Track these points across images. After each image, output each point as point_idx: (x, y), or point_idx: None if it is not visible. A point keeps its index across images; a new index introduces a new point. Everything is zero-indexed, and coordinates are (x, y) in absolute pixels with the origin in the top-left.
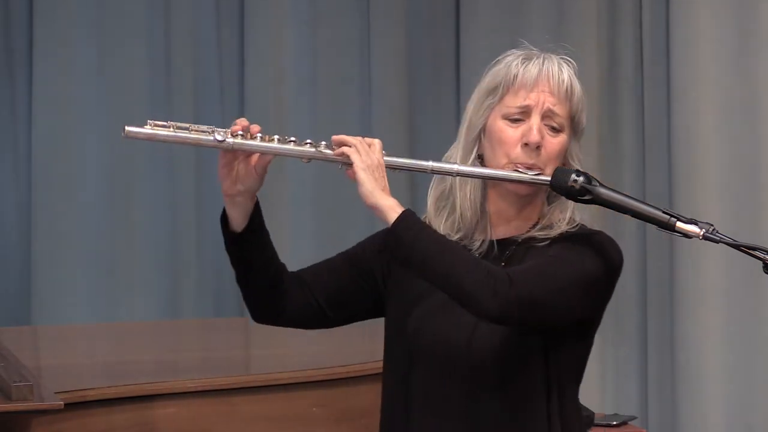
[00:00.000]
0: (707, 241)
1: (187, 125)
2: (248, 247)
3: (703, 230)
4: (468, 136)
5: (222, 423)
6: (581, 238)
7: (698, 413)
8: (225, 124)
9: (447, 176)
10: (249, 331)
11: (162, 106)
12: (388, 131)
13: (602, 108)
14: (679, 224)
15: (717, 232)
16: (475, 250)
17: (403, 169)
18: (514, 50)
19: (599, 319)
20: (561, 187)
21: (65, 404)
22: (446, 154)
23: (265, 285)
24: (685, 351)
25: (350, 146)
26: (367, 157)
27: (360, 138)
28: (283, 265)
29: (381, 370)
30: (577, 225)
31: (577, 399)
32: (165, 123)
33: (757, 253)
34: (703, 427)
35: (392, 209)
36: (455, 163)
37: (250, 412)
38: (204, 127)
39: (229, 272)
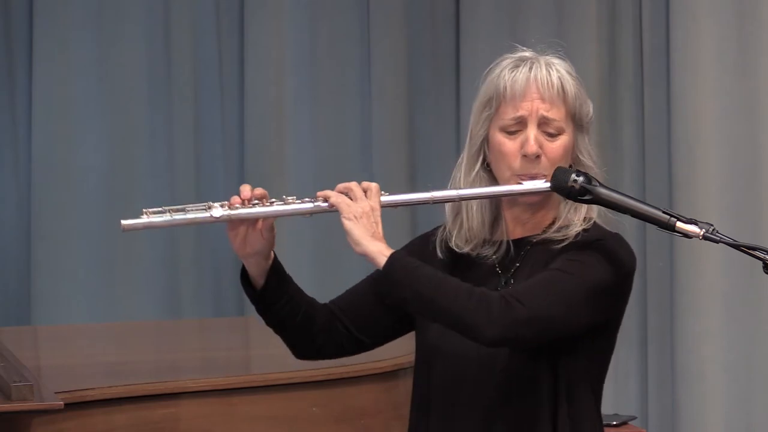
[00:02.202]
0: (707, 241)
1: (183, 206)
2: (269, 302)
3: (703, 230)
4: (470, 148)
5: (222, 423)
6: (590, 245)
7: (698, 413)
8: (225, 123)
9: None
10: (249, 331)
11: (162, 106)
12: (388, 131)
13: (602, 108)
14: (679, 224)
15: (717, 232)
16: (492, 254)
17: (404, 204)
18: (508, 55)
19: (616, 323)
20: (561, 188)
21: (65, 404)
22: (455, 169)
23: (296, 329)
24: (685, 351)
25: (335, 197)
26: (353, 206)
27: (354, 184)
28: (313, 307)
29: (380, 370)
30: (591, 222)
31: (595, 400)
32: (160, 209)
33: (757, 253)
34: (703, 427)
35: (381, 254)
36: (457, 188)
37: (250, 412)
38: (200, 205)
39: (229, 272)
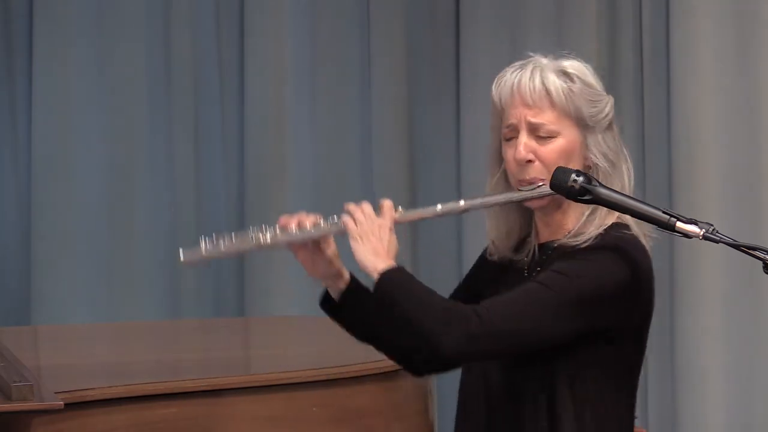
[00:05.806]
0: (707, 241)
1: (231, 234)
2: (348, 320)
3: (703, 230)
4: (488, 158)
5: (222, 423)
6: (588, 252)
7: (698, 413)
8: (225, 123)
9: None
10: (249, 331)
11: (162, 106)
12: (388, 131)
13: None
14: (679, 224)
15: (717, 232)
16: (524, 258)
17: (415, 220)
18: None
19: (625, 331)
20: (560, 188)
21: (65, 404)
22: None
23: (384, 345)
24: (685, 351)
25: (345, 218)
26: (362, 225)
27: (365, 203)
28: None
29: (380, 370)
30: (609, 225)
31: (618, 405)
32: (215, 240)
33: (757, 253)
34: (703, 427)
35: (375, 271)
36: (460, 200)
37: (250, 412)
38: (246, 233)
39: (229, 272)
